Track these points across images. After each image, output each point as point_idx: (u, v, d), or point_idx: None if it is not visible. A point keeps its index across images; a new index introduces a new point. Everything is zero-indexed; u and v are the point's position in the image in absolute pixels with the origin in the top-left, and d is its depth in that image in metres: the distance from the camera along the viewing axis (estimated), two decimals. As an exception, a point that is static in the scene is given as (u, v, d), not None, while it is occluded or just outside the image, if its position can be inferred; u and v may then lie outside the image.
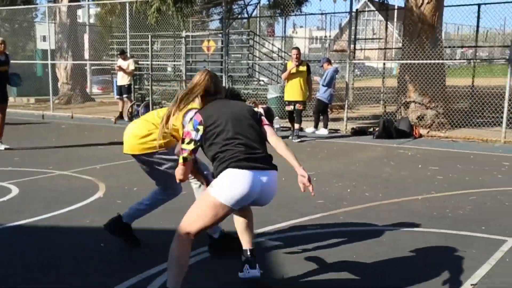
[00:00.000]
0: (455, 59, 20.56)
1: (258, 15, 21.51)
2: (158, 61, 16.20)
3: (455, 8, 15.23)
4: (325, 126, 11.18)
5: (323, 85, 11.14)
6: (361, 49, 22.02)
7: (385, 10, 17.50)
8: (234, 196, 2.94)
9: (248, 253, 3.44)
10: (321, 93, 11.15)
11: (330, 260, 3.93)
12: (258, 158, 3.05)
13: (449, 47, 21.92)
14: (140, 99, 13.09)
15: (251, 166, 2.98)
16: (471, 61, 15.94)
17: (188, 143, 3.10)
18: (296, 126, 10.06)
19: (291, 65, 9.97)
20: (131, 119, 12.68)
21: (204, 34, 17.64)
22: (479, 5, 14.42)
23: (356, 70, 21.47)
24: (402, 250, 4.13)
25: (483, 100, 12.31)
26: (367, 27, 33.16)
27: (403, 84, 11.81)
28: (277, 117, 12.07)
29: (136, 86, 14.43)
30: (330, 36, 32.09)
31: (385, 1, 15.64)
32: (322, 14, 27.10)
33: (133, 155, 3.89)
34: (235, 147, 3.03)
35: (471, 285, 3.44)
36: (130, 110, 12.80)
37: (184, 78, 13.79)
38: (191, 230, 2.97)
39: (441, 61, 11.46)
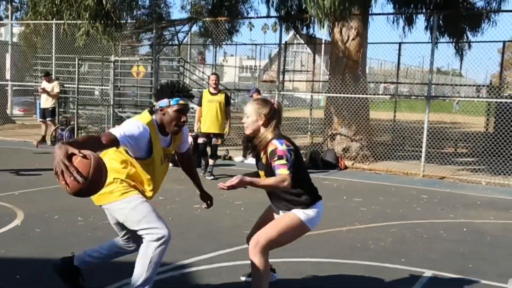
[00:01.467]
0: (378, 94, 21.47)
1: (189, 43, 21.58)
2: (85, 84, 15.80)
3: (379, 44, 15.97)
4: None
5: None
6: (290, 80, 22.58)
7: (313, 44, 18.06)
8: (316, 223, 3.49)
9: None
10: None
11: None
12: None
13: (373, 82, 22.92)
14: (64, 123, 12.67)
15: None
16: (393, 96, 16.71)
17: (285, 162, 3.25)
18: (211, 162, 9.09)
19: (206, 93, 9.09)
20: (54, 143, 12.25)
21: (133, 59, 17.44)
22: (400, 43, 15.28)
23: (285, 100, 21.93)
24: (326, 281, 4.20)
25: (403, 134, 12.91)
26: (296, 59, 34.08)
27: (329, 116, 12.17)
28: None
29: (61, 109, 13.98)
30: (260, 66, 32.67)
31: (313, 35, 16.14)
32: (252, 44, 27.54)
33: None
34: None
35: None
36: (53, 134, 12.35)
37: (112, 102, 13.52)
38: (269, 244, 3.42)
39: (364, 96, 11.92)
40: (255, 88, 12.39)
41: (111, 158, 3.36)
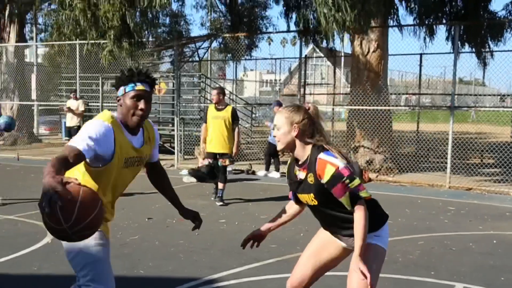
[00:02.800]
0: (400, 105, 21.36)
1: (209, 58, 21.78)
2: (108, 102, 16.04)
3: (399, 56, 15.91)
4: (277, 169, 11.30)
5: (273, 129, 11.33)
6: (311, 94, 22.58)
7: (333, 56, 18.08)
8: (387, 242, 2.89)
9: None
10: (272, 136, 11.35)
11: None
12: None
13: (394, 93, 22.79)
14: (89, 141, 12.82)
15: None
16: (415, 107, 16.60)
17: (359, 180, 2.70)
18: (220, 185, 8.08)
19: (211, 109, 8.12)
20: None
21: (155, 76, 17.66)
22: (421, 54, 15.20)
23: (306, 114, 21.90)
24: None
25: (427, 145, 12.80)
26: (316, 72, 34.13)
27: (351, 129, 12.14)
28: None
29: (85, 128, 14.18)
30: (280, 79, 32.77)
31: (333, 48, 16.17)
32: (272, 58, 27.66)
33: None
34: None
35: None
36: (78, 152, 12.53)
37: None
38: None
39: (386, 107, 11.88)
40: (277, 101, 12.39)
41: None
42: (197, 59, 19.61)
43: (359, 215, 2.65)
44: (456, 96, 10.95)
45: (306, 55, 16.10)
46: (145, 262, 4.98)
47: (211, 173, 8.11)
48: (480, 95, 26.02)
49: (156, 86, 17.11)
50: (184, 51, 18.23)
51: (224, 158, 7.93)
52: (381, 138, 11.63)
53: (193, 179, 9.99)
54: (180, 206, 3.17)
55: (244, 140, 16.79)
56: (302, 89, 13.24)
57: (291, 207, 3.16)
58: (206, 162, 8.03)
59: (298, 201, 3.05)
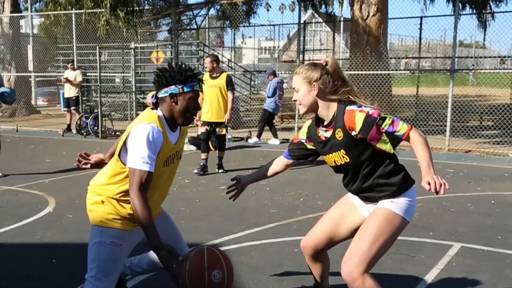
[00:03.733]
0: (400, 70, 21.21)
1: (207, 26, 21.55)
2: (106, 72, 15.95)
3: (399, 20, 15.74)
4: (275, 136, 11.32)
5: (268, 97, 11.42)
6: (310, 60, 22.45)
7: (332, 22, 17.89)
8: (413, 213, 2.74)
9: None
10: (267, 104, 11.41)
11: (288, 268, 3.98)
12: None
13: (394, 57, 22.63)
14: (88, 111, 12.85)
15: None
16: (415, 71, 16.50)
17: (391, 118, 2.57)
18: (219, 154, 8.03)
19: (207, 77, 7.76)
20: (79, 131, 12.45)
21: (153, 45, 17.51)
22: (421, 17, 15.03)
23: (305, 80, 21.81)
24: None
25: (427, 109, 12.77)
26: (315, 38, 33.78)
27: (351, 94, 12.08)
28: (228, 127, 12.15)
29: (84, 98, 14.15)
30: (278, 46, 32.52)
31: (332, 13, 15.97)
32: (270, 25, 27.38)
33: None
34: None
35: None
36: (78, 123, 12.55)
37: (133, 89, 13.63)
38: (370, 264, 2.60)
39: (386, 72, 11.81)
40: (272, 70, 12.39)
41: (105, 170, 2.89)
42: (194, 27, 19.40)
43: (414, 136, 2.54)
44: (456, 59, 10.88)
45: (305, 21, 15.95)
46: (146, 228, 5.03)
47: (207, 140, 7.90)
48: (480, 57, 25.83)
49: (154, 54, 16.97)
50: (182, 19, 18.02)
51: (221, 127, 7.78)
52: (380, 103, 11.59)
53: (193, 147, 10.02)
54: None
55: (243, 108, 16.75)
56: (301, 56, 13.16)
57: (279, 163, 3.10)
58: (203, 129, 7.86)
59: (297, 158, 3.00)
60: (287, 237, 4.79)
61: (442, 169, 8.25)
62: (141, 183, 2.57)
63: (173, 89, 2.69)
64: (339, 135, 2.62)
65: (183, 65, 2.76)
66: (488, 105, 15.10)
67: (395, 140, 2.58)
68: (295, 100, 2.72)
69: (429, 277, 3.84)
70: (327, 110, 2.68)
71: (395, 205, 2.66)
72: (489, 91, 16.88)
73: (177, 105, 2.71)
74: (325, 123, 2.71)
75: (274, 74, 11.93)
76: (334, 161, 2.74)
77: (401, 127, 2.55)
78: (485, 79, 15.41)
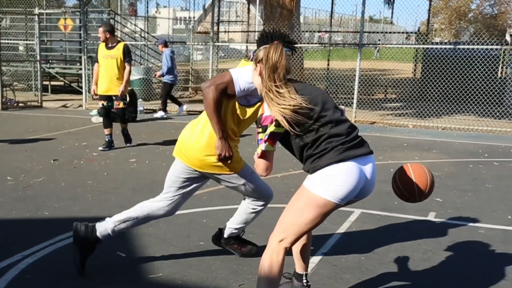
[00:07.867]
0: (313, 43, 21.63)
1: (119, -7, 20.78)
2: (7, 39, 15.03)
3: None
4: (179, 105, 11.41)
5: (168, 68, 11.14)
6: (225, 31, 22.35)
7: (246, -7, 17.87)
8: (342, 191, 2.56)
9: (304, 279, 3.11)
10: (166, 76, 11.21)
11: (195, 239, 4.03)
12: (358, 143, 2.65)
13: (307, 31, 23.02)
14: (-12, 81, 12.07)
15: (355, 155, 2.60)
16: (326, 45, 16.91)
17: (266, 130, 2.65)
18: (123, 126, 7.70)
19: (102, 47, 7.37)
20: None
21: (60, 11, 16.67)
22: (333, -8, 15.39)
23: (220, 52, 21.77)
24: (266, 226, 4.33)
25: (337, 82, 13.19)
26: (231, 9, 33.60)
27: (263, 66, 12.20)
28: (140, 99, 11.89)
29: (-17, 67, 13.29)
30: (194, 17, 31.99)
31: (247, -15, 15.96)
32: (185, -6, 26.83)
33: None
34: (335, 136, 2.58)
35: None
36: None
37: (38, 58, 12.97)
38: (288, 239, 2.62)
39: (298, 45, 12.01)
40: (163, 40, 12.12)
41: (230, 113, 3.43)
42: (105, -7, 18.67)
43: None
44: (365, 34, 11.26)
45: (218, -9, 15.79)
46: (50, 203, 4.87)
47: (107, 114, 7.48)
48: (387, 32, 26.88)
49: (61, 22, 16.16)
50: (91, -15, 17.29)
51: (118, 100, 7.34)
52: (292, 75, 11.81)
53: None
54: None
55: (156, 79, 16.44)
56: (216, 27, 13.06)
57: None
58: (100, 104, 7.45)
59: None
60: (196, 208, 4.83)
61: (348, 140, 8.60)
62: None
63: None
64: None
65: (281, 32, 2.99)
66: (393, 79, 15.82)
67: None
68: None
69: (330, 242, 4.04)
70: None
71: (307, 182, 2.78)
72: (394, 65, 17.68)
73: None
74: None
75: (165, 44, 11.63)
76: None
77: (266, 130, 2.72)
78: (391, 53, 16.10)
